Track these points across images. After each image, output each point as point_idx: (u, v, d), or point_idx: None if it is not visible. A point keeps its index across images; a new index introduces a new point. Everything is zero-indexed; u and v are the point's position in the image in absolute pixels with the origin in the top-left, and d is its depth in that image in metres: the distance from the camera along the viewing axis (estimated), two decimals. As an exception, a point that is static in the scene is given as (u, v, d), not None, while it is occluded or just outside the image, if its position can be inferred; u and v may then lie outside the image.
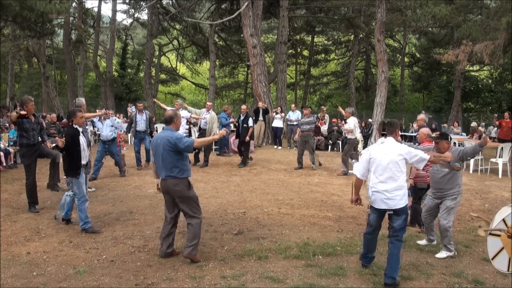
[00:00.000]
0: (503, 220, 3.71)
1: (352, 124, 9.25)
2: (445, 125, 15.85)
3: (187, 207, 4.16)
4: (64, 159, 5.12)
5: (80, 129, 5.22)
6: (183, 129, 9.93)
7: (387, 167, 3.83)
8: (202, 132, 9.93)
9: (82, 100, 7.36)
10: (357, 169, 4.05)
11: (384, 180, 3.83)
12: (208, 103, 10.50)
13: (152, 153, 4.39)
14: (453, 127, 15.43)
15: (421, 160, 3.88)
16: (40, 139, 6.23)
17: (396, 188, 3.80)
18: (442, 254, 4.55)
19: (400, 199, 3.81)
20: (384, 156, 3.86)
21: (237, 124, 10.21)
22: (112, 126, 8.36)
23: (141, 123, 9.46)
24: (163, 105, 10.63)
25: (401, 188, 3.83)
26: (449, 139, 4.88)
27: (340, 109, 10.68)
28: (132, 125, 9.58)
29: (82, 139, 5.20)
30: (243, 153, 10.13)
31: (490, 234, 3.72)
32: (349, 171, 9.15)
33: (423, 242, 4.92)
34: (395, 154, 3.84)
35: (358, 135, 9.32)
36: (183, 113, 9.97)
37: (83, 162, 5.15)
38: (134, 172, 9.08)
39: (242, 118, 10.11)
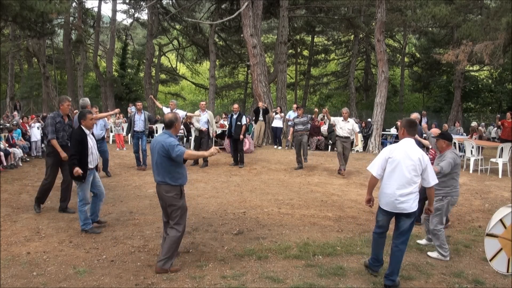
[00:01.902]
0: (501, 220, 3.71)
1: (356, 125, 9.47)
2: (446, 125, 15.84)
3: (172, 215, 4.01)
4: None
5: (88, 132, 5.07)
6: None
7: (406, 170, 3.64)
8: (202, 132, 9.91)
9: (86, 100, 7.34)
10: (373, 167, 3.81)
11: (401, 183, 3.64)
12: (202, 103, 10.31)
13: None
14: (456, 127, 15.45)
15: (425, 181, 3.73)
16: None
17: (410, 193, 3.65)
18: (434, 253, 4.54)
19: (413, 202, 3.68)
20: (405, 158, 3.65)
21: (229, 123, 10.19)
22: (104, 125, 8.45)
23: (139, 123, 9.42)
24: (158, 103, 10.65)
25: (414, 192, 3.68)
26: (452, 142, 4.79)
27: (327, 112, 10.11)
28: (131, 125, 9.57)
29: (91, 142, 5.08)
30: (239, 152, 10.12)
31: (488, 235, 3.72)
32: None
33: (423, 242, 4.93)
34: (416, 158, 3.64)
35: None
36: (179, 113, 9.95)
37: (91, 166, 5.02)
38: (134, 172, 9.08)
39: (235, 116, 10.10)
